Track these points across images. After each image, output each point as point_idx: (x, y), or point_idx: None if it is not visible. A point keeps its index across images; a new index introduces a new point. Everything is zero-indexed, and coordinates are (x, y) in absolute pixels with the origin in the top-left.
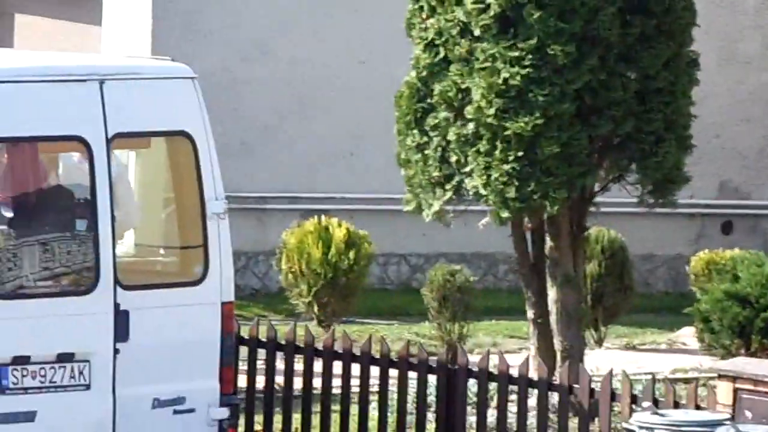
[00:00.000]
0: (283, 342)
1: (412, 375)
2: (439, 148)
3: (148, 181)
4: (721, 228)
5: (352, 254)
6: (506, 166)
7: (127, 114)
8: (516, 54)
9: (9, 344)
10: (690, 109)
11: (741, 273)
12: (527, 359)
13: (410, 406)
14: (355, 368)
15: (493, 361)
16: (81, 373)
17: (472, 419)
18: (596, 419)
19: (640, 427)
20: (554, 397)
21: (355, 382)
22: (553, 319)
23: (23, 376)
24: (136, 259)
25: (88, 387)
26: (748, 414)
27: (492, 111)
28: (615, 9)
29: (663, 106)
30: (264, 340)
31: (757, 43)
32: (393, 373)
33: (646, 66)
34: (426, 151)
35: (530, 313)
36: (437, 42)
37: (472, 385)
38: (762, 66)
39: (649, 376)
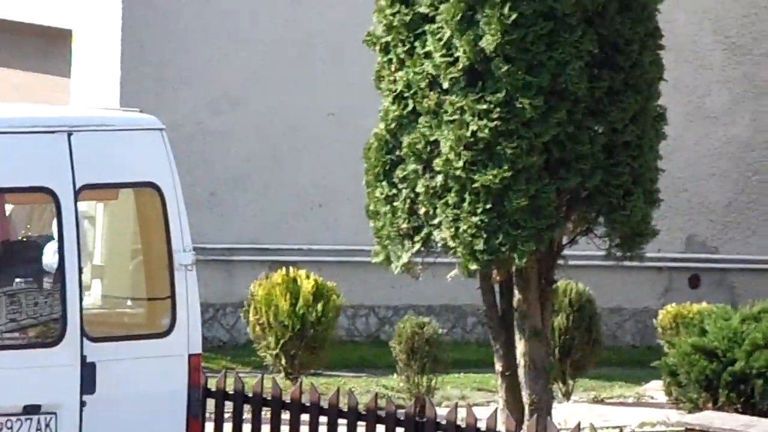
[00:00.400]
0: (250, 394)
1: (380, 428)
2: (408, 200)
3: (115, 232)
4: (689, 282)
5: (320, 306)
6: (475, 219)
7: (95, 165)
8: (484, 107)
9: None
10: (657, 162)
11: (708, 327)
12: (495, 412)
13: None
14: (323, 421)
15: (461, 414)
16: (47, 425)
17: None
18: None
19: None
20: None
21: None
22: (521, 372)
23: None
24: (103, 310)
25: None
26: None
27: (460, 163)
28: (583, 63)
29: (631, 160)
30: (231, 392)
31: (723, 98)
32: (361, 426)
33: (614, 120)
34: (395, 203)
35: (498, 366)
36: (406, 94)
37: None
38: (728, 121)
39: (617, 430)
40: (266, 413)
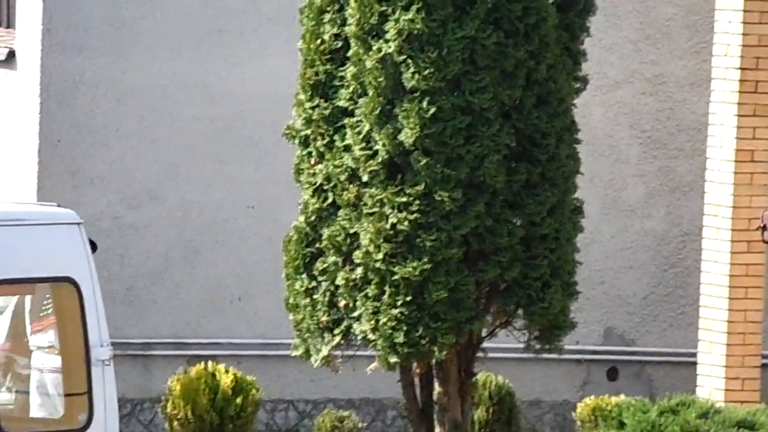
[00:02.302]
0: None
1: None
2: (328, 293)
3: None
4: (607, 374)
5: (239, 400)
6: (395, 311)
7: (12, 260)
8: (404, 199)
9: None
10: (575, 255)
11: (626, 420)
12: None
13: None
14: None
15: None
16: None
17: None
18: None
19: None
20: None
21: None
22: None
23: None
24: (18, 406)
25: None
26: None
27: (380, 255)
28: (501, 156)
29: (548, 253)
30: None
31: (639, 192)
32: None
33: (532, 213)
34: (314, 296)
35: None
36: (326, 187)
37: None
38: (645, 214)
39: None
40: None
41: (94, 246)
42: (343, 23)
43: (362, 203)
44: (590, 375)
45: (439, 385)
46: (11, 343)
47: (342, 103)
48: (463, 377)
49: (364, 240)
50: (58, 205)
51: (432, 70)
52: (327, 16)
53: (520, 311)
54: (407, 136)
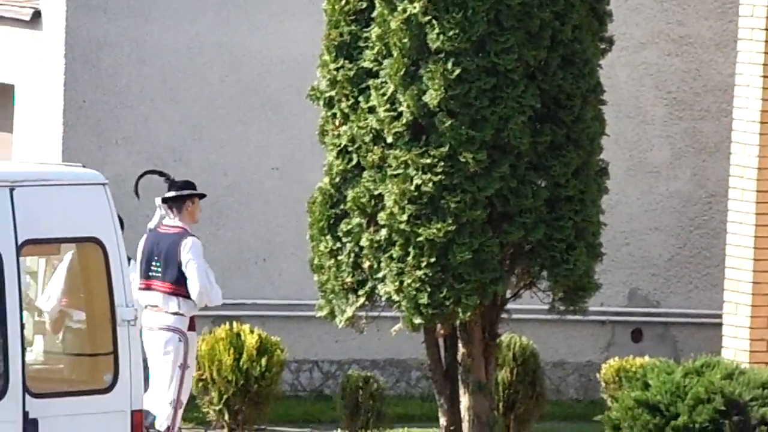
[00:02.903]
0: None
1: None
2: (352, 254)
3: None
4: (631, 336)
5: (264, 361)
6: (419, 272)
7: (38, 221)
8: (428, 161)
9: None
10: (600, 217)
11: (651, 381)
12: None
13: None
14: None
15: None
16: None
17: None
18: None
19: None
20: None
21: None
22: (465, 426)
23: None
24: (45, 366)
25: None
26: None
27: (404, 217)
28: (525, 118)
29: (573, 214)
30: None
31: (666, 153)
32: None
33: (557, 174)
34: (339, 257)
35: (443, 421)
36: (350, 149)
37: None
38: (670, 175)
39: None
40: None
41: (122, 223)
42: None
43: (386, 165)
44: (614, 336)
45: (463, 346)
46: (67, 298)
47: (366, 64)
48: (487, 338)
49: (389, 201)
50: (83, 166)
51: (457, 31)
52: None
53: (544, 273)
54: (432, 98)
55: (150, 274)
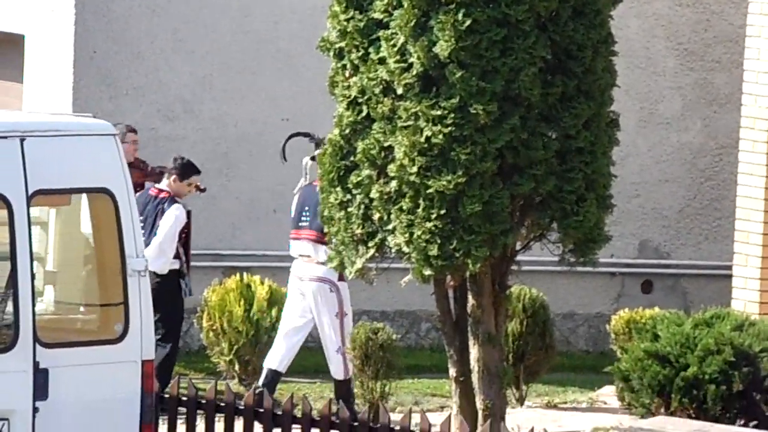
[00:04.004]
0: (203, 401)
1: None
2: (362, 206)
3: (68, 237)
4: (641, 287)
5: (274, 312)
6: (429, 224)
7: (48, 171)
8: (438, 113)
9: None
10: (610, 168)
11: (661, 332)
12: (449, 418)
13: None
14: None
15: (415, 419)
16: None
17: None
18: None
19: None
20: None
21: None
22: (475, 377)
23: None
24: (56, 316)
25: None
26: None
27: (414, 169)
28: (536, 69)
29: (583, 166)
30: (184, 398)
31: (676, 105)
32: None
33: (567, 126)
34: (349, 209)
35: (452, 372)
36: (360, 100)
37: None
38: (681, 127)
39: None
40: (219, 419)
41: (203, 190)
42: None
43: (397, 116)
44: (624, 288)
45: (473, 297)
46: (44, 254)
47: (377, 15)
48: (497, 290)
49: (399, 153)
50: (94, 116)
51: None
52: None
53: (554, 224)
54: (442, 49)
55: (300, 224)
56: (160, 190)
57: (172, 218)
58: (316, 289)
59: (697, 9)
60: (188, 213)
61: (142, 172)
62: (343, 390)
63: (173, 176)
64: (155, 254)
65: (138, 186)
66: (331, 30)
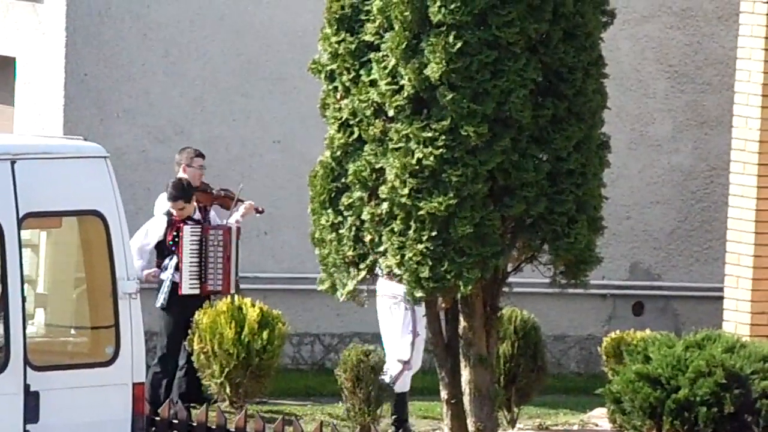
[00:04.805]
0: (194, 424)
1: None
2: (353, 228)
3: (59, 260)
4: (632, 309)
5: (265, 334)
6: (420, 246)
7: (39, 193)
8: (429, 134)
9: None
10: (601, 190)
11: (652, 354)
12: None
13: None
14: None
15: None
16: None
17: None
18: None
19: None
20: None
21: None
22: (466, 399)
23: None
24: (46, 339)
25: None
26: None
27: (406, 191)
28: (527, 91)
29: (574, 188)
30: (176, 421)
31: (667, 126)
32: None
33: (558, 148)
34: (340, 231)
35: (444, 394)
36: (351, 122)
37: None
38: (672, 149)
39: None
40: None
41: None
42: None
43: (388, 138)
44: (615, 310)
45: (465, 319)
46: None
47: (368, 38)
48: (489, 312)
49: (390, 175)
50: (85, 139)
51: (458, 4)
52: None
53: (545, 246)
54: (433, 71)
55: None
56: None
57: (145, 226)
58: (389, 304)
59: (687, 31)
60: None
61: (208, 195)
62: (400, 403)
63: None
64: None
65: (203, 210)
66: (322, 52)
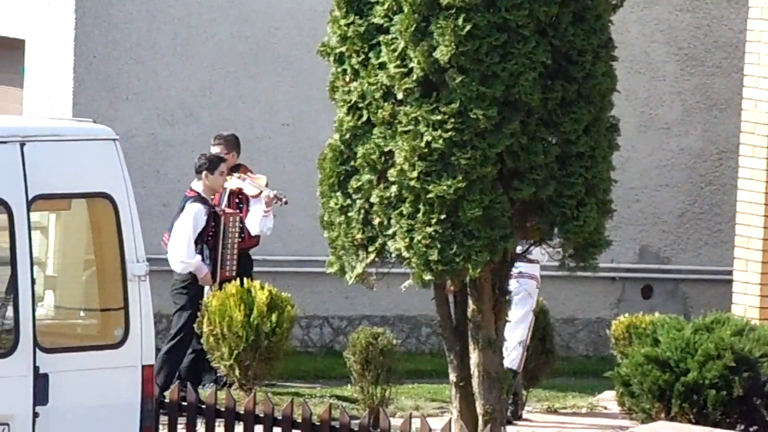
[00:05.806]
0: (203, 406)
1: None
2: (362, 211)
3: (68, 243)
4: (641, 292)
5: (274, 317)
6: (429, 229)
7: (48, 175)
8: (438, 117)
9: None
10: (610, 173)
11: (661, 337)
12: (449, 423)
13: None
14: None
15: (415, 424)
16: None
17: None
18: None
19: None
20: None
21: None
22: (475, 382)
23: None
24: (56, 321)
25: None
26: None
27: (415, 174)
28: (536, 74)
29: (584, 171)
30: (185, 403)
31: (676, 109)
32: None
33: (567, 131)
34: (349, 214)
35: (453, 377)
36: (360, 105)
37: None
38: (681, 132)
39: None
40: (220, 425)
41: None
42: None
43: (397, 121)
44: (625, 293)
45: (473, 302)
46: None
47: (377, 20)
48: (498, 295)
49: (399, 158)
50: (94, 121)
51: None
52: None
53: (555, 229)
54: (442, 54)
55: None
56: (191, 190)
57: (186, 216)
58: (519, 283)
59: (697, 14)
60: (214, 214)
61: (245, 169)
62: (513, 381)
63: (204, 173)
64: (170, 252)
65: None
66: (331, 35)
